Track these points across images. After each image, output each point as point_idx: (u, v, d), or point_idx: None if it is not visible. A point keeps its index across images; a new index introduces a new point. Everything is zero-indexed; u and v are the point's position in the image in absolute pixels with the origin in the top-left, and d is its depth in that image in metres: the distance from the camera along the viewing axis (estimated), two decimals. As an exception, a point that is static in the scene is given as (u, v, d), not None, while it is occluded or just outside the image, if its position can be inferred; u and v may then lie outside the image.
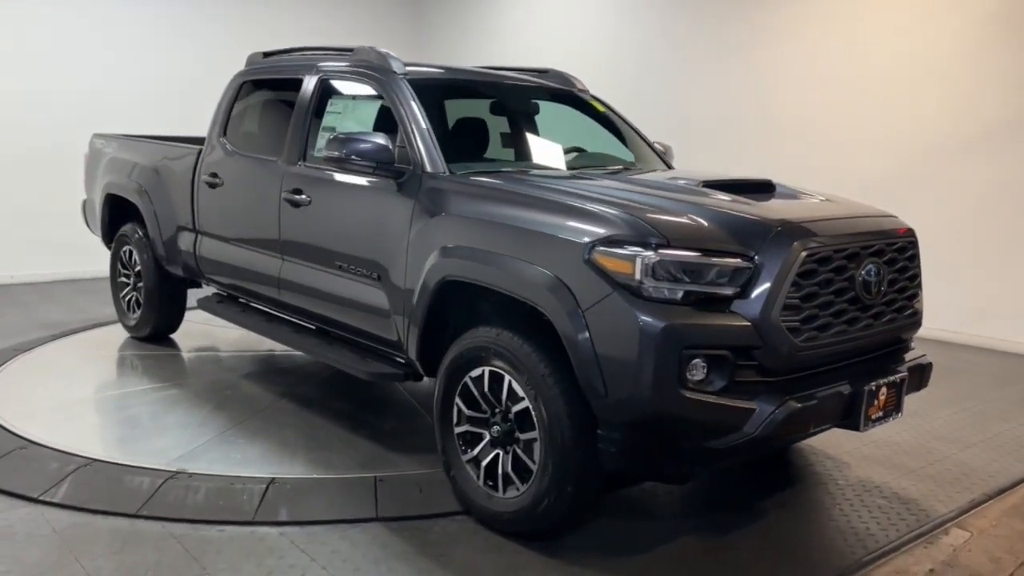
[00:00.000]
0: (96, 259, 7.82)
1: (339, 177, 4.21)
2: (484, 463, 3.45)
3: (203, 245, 5.36)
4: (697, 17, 8.44)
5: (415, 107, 4.04)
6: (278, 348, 6.04)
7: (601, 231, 3.03)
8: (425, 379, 4.04)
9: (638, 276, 2.90)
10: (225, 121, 5.27)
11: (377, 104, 4.29)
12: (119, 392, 5.04)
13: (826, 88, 7.52)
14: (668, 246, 2.93)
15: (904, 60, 7.04)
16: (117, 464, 3.91)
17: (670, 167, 4.89)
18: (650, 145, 4.97)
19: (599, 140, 4.98)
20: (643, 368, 2.86)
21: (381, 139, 3.87)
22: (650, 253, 2.90)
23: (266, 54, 5.32)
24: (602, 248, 2.99)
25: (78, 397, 4.98)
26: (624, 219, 3.05)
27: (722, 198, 3.42)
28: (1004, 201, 6.63)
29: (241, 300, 5.40)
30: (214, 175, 5.17)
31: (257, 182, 4.83)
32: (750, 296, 2.95)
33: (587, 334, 2.97)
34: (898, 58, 7.07)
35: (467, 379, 3.48)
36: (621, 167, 4.59)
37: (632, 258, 2.91)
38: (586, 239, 3.03)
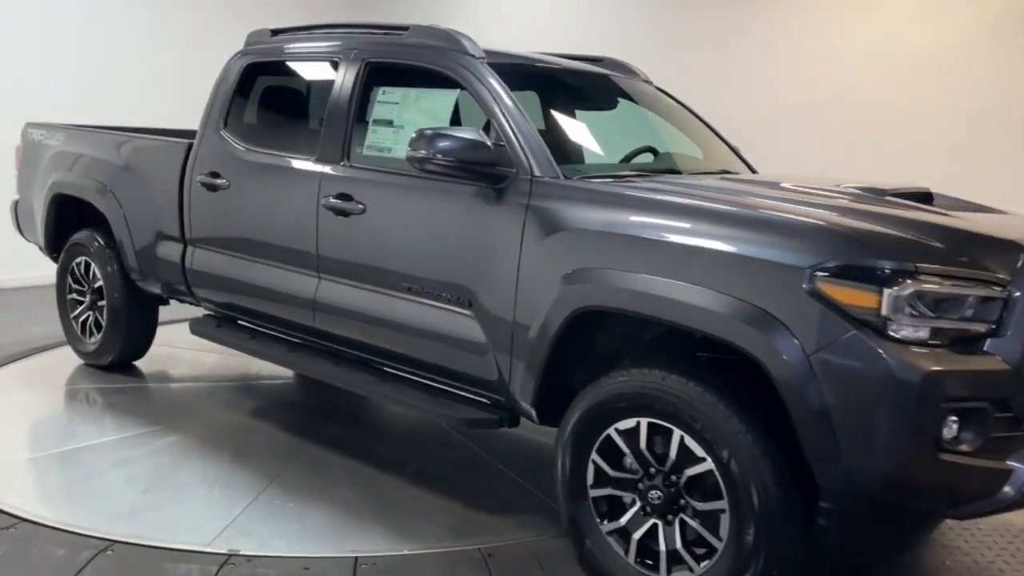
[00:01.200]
0: (21, 266, 6.76)
1: (411, 181, 3.45)
2: (637, 536, 2.81)
3: (196, 257, 4.47)
4: (686, 6, 7.98)
5: (508, 99, 3.33)
6: (267, 376, 5.20)
7: (826, 253, 2.43)
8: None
9: (885, 311, 2.33)
10: (226, 110, 4.39)
11: (450, 94, 3.55)
12: (104, 441, 4.09)
13: (825, 85, 7.19)
14: (916, 273, 2.37)
15: (906, 54, 6.76)
16: (146, 546, 3.05)
17: (754, 170, 4.35)
18: (730, 146, 4.40)
19: (652, 137, 4.39)
20: (896, 427, 2.30)
21: (476, 135, 3.16)
22: (900, 282, 2.34)
23: (274, 31, 4.47)
24: (831, 275, 2.40)
25: (56, 451, 4.03)
26: (855, 237, 2.47)
27: (932, 211, 2.88)
28: (1017, 203, 6.41)
29: (242, 323, 4.54)
30: (215, 175, 4.29)
31: (282, 184, 3.99)
32: (1005, 333, 2.43)
33: (815, 383, 2.38)
34: (902, 52, 6.79)
35: (611, 431, 2.84)
36: (721, 170, 3.99)
37: (878, 288, 2.34)
38: (807, 263, 2.43)
